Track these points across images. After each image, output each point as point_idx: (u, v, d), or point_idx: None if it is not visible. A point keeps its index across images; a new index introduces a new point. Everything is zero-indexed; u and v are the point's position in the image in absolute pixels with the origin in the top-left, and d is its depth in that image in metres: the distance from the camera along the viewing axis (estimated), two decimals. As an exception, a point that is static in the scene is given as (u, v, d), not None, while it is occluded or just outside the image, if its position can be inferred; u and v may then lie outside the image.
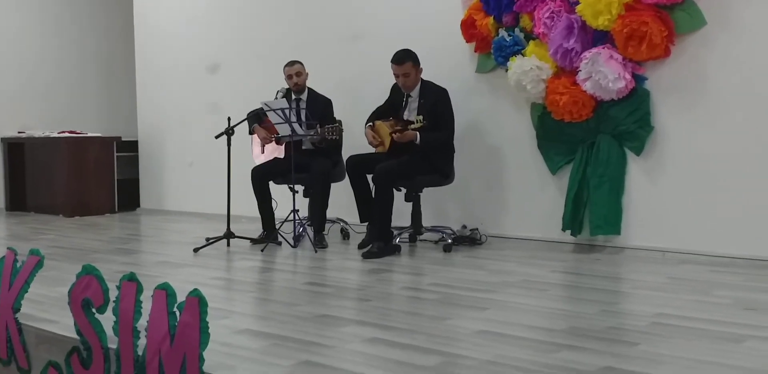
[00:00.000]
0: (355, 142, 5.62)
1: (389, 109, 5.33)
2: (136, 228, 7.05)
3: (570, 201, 4.97)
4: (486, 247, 5.19)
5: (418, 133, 4.96)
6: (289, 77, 5.62)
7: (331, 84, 6.04)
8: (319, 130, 5.25)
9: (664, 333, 2.90)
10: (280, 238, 5.35)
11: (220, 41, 7.40)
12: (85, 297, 2.64)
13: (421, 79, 5.20)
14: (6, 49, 8.33)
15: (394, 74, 5.14)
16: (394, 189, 5.11)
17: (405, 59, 5.08)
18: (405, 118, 5.15)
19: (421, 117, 5.00)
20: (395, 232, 5.14)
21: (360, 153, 5.33)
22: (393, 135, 4.99)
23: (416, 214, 5.30)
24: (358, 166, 5.21)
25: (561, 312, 3.37)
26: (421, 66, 5.17)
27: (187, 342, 2.27)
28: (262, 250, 5.16)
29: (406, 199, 5.23)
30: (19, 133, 8.30)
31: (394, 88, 5.35)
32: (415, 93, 5.19)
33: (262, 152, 5.76)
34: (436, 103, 5.07)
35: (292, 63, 5.64)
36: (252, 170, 5.58)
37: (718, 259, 4.44)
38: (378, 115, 5.36)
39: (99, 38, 9.04)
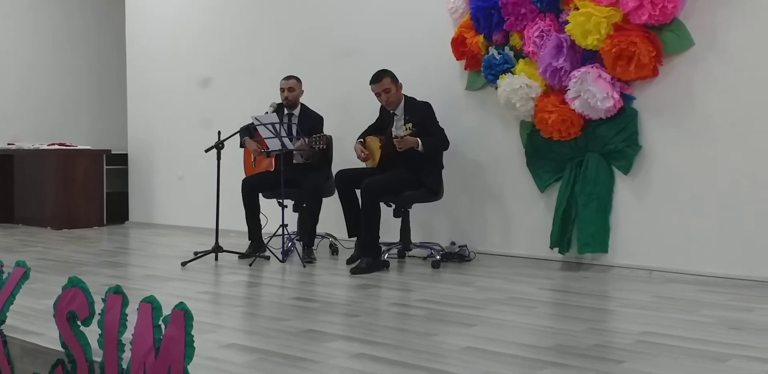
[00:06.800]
0: (346, 157, 5.64)
1: (380, 128, 5.37)
2: (124, 241, 7.02)
3: (558, 219, 4.99)
4: (474, 264, 5.20)
5: (419, 139, 4.98)
6: (281, 90, 5.64)
7: (322, 99, 6.05)
8: (306, 140, 5.27)
9: (650, 352, 2.91)
10: (268, 253, 5.34)
11: (212, 56, 7.43)
12: (71, 309, 2.62)
13: (404, 95, 5.23)
14: (-2, 61, 8.35)
15: (376, 94, 5.17)
16: (384, 205, 5.12)
17: (382, 76, 5.13)
18: (393, 135, 5.17)
19: (410, 124, 5.00)
20: (384, 248, 5.14)
21: (350, 168, 5.35)
22: (394, 140, 4.96)
23: (405, 230, 5.31)
24: (348, 180, 5.21)
25: (548, 330, 3.37)
26: (411, 82, 5.20)
27: (172, 355, 2.26)
28: (250, 265, 5.15)
29: (395, 215, 5.24)
30: (8, 144, 8.29)
31: (382, 109, 5.38)
32: (399, 110, 5.22)
33: (254, 166, 5.77)
34: (423, 118, 5.09)
35: (288, 77, 5.67)
36: (242, 181, 5.60)
37: (704, 278, 4.46)
38: (368, 133, 5.40)
39: (90, 51, 9.06)
